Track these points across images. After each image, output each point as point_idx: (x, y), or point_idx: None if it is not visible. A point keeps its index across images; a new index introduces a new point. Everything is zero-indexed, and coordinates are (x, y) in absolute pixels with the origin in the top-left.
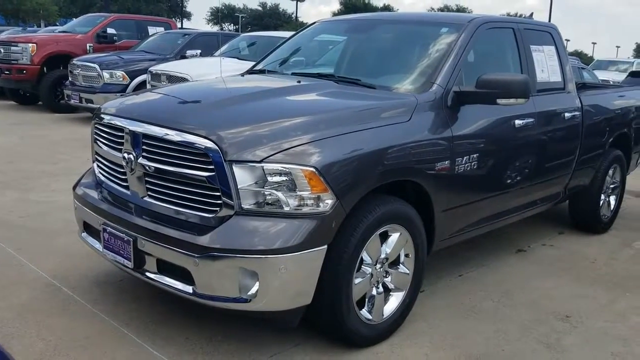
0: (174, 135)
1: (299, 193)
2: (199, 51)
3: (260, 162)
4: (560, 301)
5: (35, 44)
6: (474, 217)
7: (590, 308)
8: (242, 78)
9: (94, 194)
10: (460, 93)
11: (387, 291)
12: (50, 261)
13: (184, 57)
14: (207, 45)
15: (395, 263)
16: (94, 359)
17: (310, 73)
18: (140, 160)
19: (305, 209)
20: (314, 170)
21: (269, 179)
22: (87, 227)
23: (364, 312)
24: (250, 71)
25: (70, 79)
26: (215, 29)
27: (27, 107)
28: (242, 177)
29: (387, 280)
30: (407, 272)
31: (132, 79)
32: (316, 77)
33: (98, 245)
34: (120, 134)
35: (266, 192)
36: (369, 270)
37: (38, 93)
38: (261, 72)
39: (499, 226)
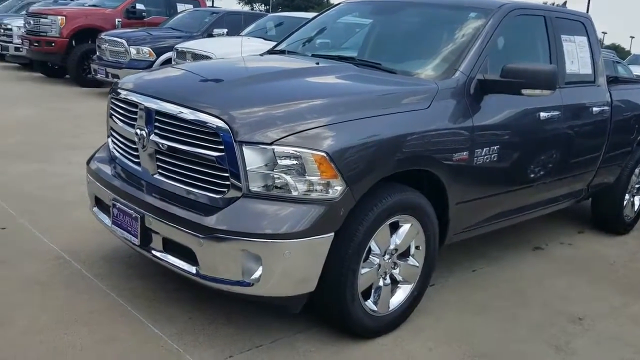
0: (187, 114)
1: (308, 178)
2: (225, 30)
3: (271, 144)
4: (574, 302)
5: (64, 17)
6: (491, 212)
7: (604, 311)
8: (260, 58)
9: (106, 169)
10: (484, 81)
11: (394, 283)
12: (62, 234)
13: (210, 35)
14: (234, 24)
15: (404, 255)
16: (94, 334)
17: (331, 55)
18: (152, 137)
19: (313, 195)
20: (325, 155)
21: (279, 162)
22: (99, 202)
23: (369, 303)
24: (271, 51)
25: (97, 53)
26: (246, 9)
27: (55, 80)
28: (252, 158)
29: (395, 271)
30: (417, 264)
31: (158, 55)
32: (336, 60)
33: (107, 221)
34: (134, 109)
35: (275, 175)
36: (376, 260)
37: (66, 66)
38: (281, 52)
39: (517, 222)
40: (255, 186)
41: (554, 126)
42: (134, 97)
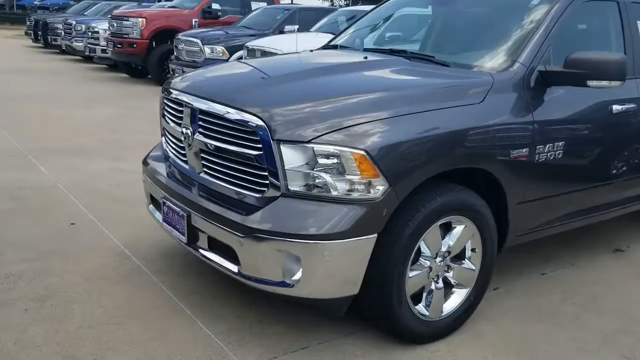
0: (234, 114)
1: (347, 177)
2: (296, 26)
3: (308, 142)
4: None
5: (144, 19)
6: (558, 212)
7: None
8: (310, 54)
9: (159, 168)
10: (546, 73)
11: (448, 287)
12: (126, 230)
13: (282, 32)
14: (306, 20)
15: (459, 257)
16: (145, 331)
17: (382, 49)
18: (197, 136)
19: (354, 195)
20: (364, 153)
21: (319, 160)
22: (154, 200)
23: (420, 307)
24: (325, 47)
25: (175, 53)
26: (326, 4)
27: (138, 79)
28: (290, 157)
29: (449, 275)
30: (473, 268)
31: (231, 54)
32: (388, 53)
33: (161, 219)
34: (180, 108)
35: (314, 175)
36: (427, 263)
37: (147, 66)
38: (334, 47)
39: (591, 222)
40: (295, 185)
41: (629, 120)
42: (184, 97)
